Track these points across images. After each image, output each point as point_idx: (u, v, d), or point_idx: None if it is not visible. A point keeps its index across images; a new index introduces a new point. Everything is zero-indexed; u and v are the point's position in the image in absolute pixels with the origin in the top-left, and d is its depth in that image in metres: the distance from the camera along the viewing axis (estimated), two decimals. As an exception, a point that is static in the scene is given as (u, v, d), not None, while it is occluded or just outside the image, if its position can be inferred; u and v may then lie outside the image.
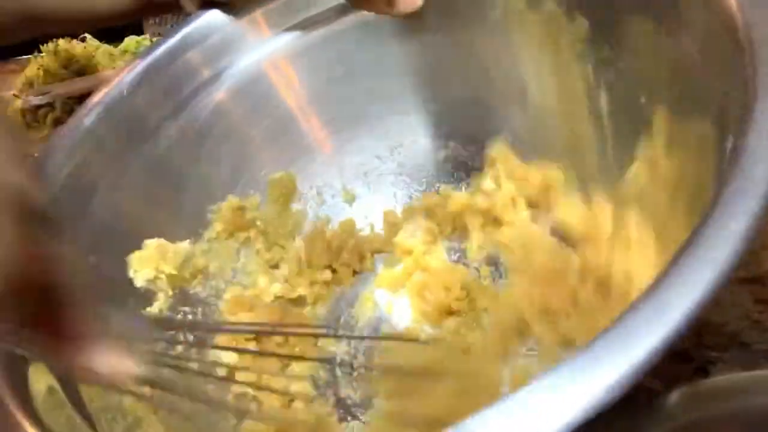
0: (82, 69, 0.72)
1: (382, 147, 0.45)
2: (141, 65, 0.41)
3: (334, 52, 0.43)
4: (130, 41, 0.76)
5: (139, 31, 0.79)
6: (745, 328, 0.33)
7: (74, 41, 0.74)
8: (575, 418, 0.15)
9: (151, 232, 0.39)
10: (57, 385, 0.28)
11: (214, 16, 0.42)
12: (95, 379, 0.24)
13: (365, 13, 0.41)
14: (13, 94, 0.72)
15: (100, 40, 0.77)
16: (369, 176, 0.46)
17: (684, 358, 0.33)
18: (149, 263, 0.38)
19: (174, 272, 0.38)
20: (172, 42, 0.41)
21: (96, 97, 0.40)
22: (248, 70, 0.43)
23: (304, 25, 0.43)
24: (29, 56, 0.75)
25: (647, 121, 0.30)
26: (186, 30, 0.42)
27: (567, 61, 0.35)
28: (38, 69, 0.71)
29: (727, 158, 0.19)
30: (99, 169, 0.38)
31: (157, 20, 0.79)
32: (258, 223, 0.43)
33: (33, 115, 0.69)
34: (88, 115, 0.39)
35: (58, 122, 0.66)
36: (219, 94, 0.43)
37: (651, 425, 0.22)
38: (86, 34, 0.76)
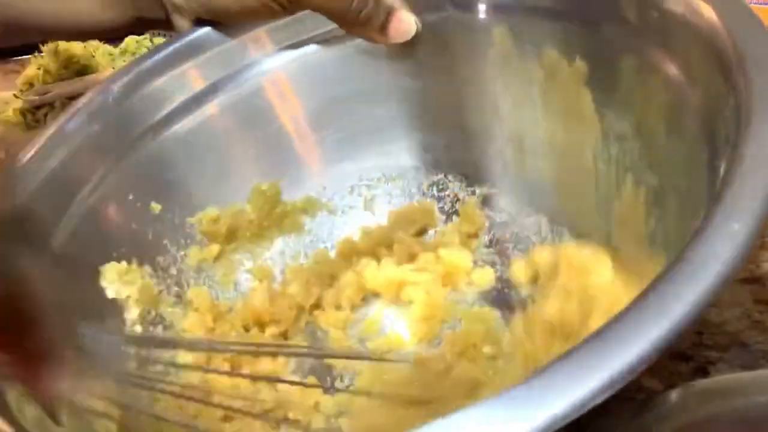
0: (82, 69, 0.71)
1: (373, 171, 0.45)
2: (131, 74, 0.40)
3: (335, 72, 0.43)
4: (130, 41, 0.76)
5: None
6: (745, 328, 0.33)
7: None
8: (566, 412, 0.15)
9: (130, 242, 0.38)
10: None
11: (209, 33, 0.42)
12: (54, 399, 0.23)
13: None
14: (14, 94, 0.72)
15: (100, 41, 0.77)
16: (356, 199, 0.46)
17: (684, 358, 0.33)
18: (120, 277, 0.37)
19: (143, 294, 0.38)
20: (165, 53, 0.41)
21: (81, 102, 0.39)
22: (244, 85, 0.43)
23: (307, 44, 0.43)
24: (29, 56, 0.75)
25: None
26: (180, 42, 0.41)
27: (566, 99, 0.35)
28: (38, 69, 0.71)
29: (721, 177, 0.20)
30: (78, 176, 0.38)
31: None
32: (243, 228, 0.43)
33: (33, 115, 0.69)
34: (71, 120, 0.38)
35: (58, 122, 0.66)
36: (212, 106, 0.42)
37: (651, 425, 0.22)
38: (86, 34, 0.76)
